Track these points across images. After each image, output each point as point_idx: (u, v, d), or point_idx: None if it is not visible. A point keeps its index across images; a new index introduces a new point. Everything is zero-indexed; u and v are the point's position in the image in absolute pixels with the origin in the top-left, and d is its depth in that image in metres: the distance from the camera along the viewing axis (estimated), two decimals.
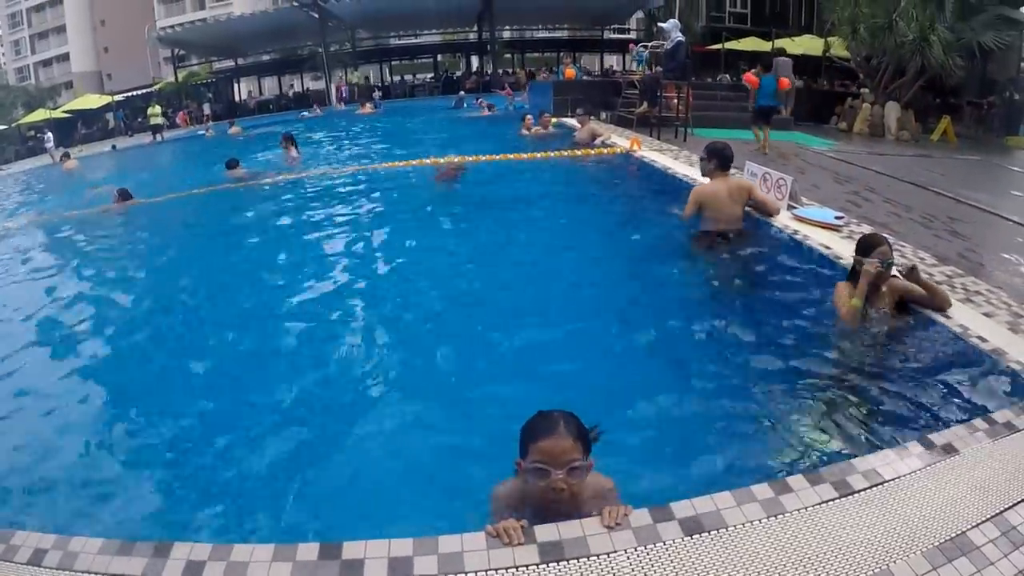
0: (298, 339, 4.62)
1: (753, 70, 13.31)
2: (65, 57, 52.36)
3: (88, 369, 4.47)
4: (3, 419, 3.82)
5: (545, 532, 1.99)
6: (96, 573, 2.02)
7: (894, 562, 1.89)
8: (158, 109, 27.62)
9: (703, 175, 5.98)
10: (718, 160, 5.71)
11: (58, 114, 34.81)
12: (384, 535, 2.04)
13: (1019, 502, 2.16)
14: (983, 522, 2.07)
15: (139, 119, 32.02)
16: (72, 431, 3.60)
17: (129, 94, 38.09)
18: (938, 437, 2.52)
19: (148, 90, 37.65)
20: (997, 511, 2.12)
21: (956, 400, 3.07)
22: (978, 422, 2.64)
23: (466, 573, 1.89)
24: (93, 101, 36.34)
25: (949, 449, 2.43)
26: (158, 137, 25.89)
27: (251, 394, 3.89)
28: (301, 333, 4.72)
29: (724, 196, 5.61)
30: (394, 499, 2.87)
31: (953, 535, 2.01)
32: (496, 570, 1.89)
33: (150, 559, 2.03)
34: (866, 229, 5.48)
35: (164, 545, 2.08)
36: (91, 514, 2.87)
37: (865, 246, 3.82)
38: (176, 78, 37.20)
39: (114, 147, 25.34)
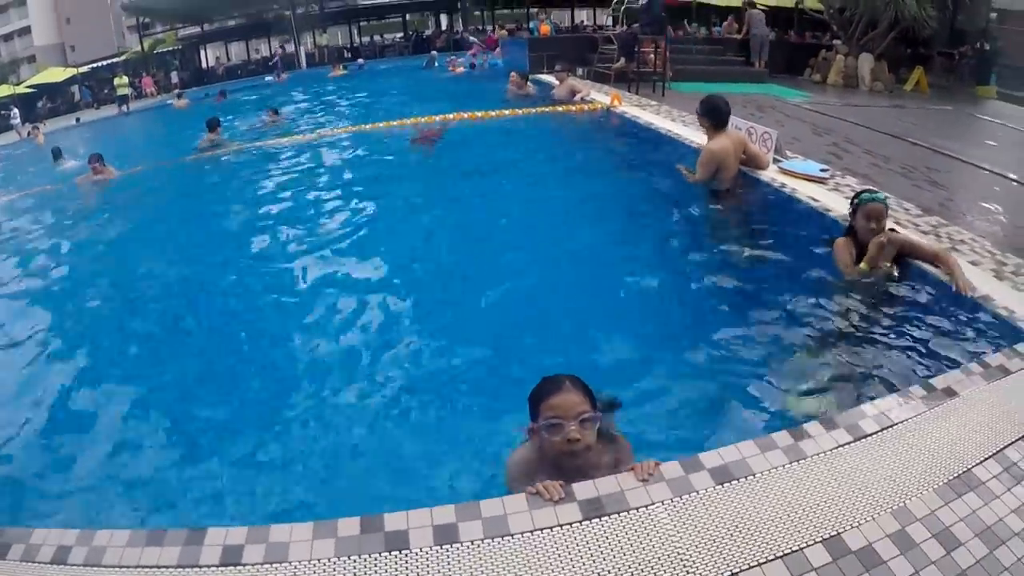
0: (283, 317, 4.60)
1: None
2: (26, 31, 50.02)
3: (99, 352, 4.44)
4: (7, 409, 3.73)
5: (583, 490, 2.05)
6: (127, 567, 1.95)
7: (910, 499, 2.02)
8: (125, 79, 26.76)
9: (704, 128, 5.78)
10: (718, 117, 5.56)
11: (22, 89, 33.20)
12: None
13: (1018, 439, 2.30)
14: (986, 459, 2.20)
15: (105, 90, 30.85)
16: (77, 419, 3.56)
17: (94, 65, 36.66)
18: (938, 381, 2.64)
19: (113, 60, 36.29)
20: (997, 448, 2.25)
21: (951, 346, 3.19)
22: (973, 366, 2.77)
23: (512, 535, 1.93)
24: (57, 75, 34.87)
25: (949, 392, 2.56)
26: (124, 108, 25.06)
27: (247, 373, 3.90)
28: (288, 307, 4.70)
29: (732, 153, 5.55)
30: (405, 473, 2.90)
31: (960, 472, 2.14)
32: (541, 530, 1.93)
33: (183, 547, 1.98)
34: (851, 181, 5.59)
35: (197, 532, 2.03)
36: (107, 508, 2.83)
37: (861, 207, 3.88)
38: (142, 47, 35.83)
39: (78, 120, 24.39)
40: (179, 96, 23.02)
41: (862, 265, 3.79)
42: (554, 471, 2.20)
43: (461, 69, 19.54)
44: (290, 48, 34.17)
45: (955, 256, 3.80)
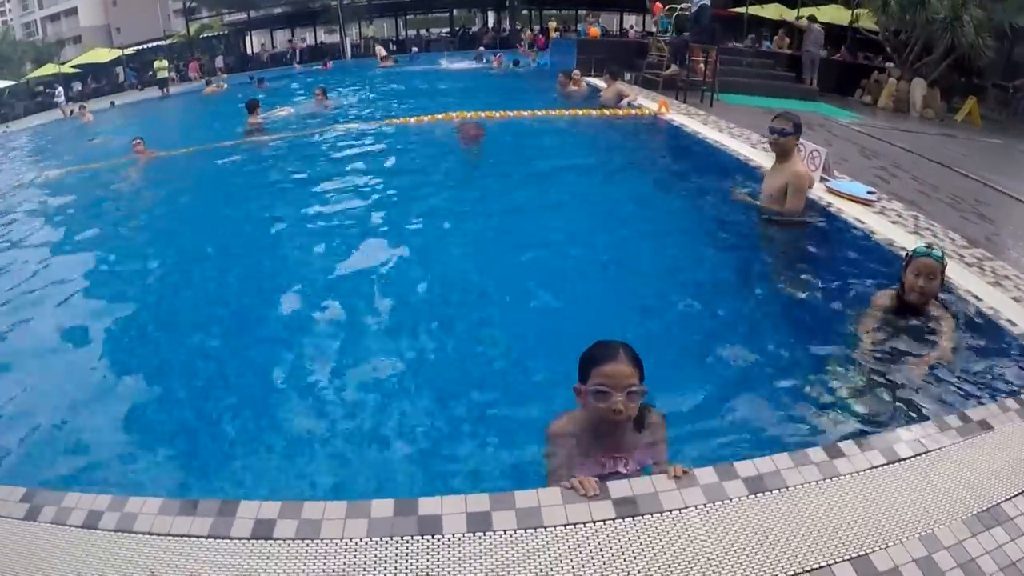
0: (317, 305, 4.61)
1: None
2: (73, 11, 51.04)
3: (134, 325, 4.54)
4: (45, 380, 3.81)
5: (618, 488, 2.10)
6: (158, 534, 1.98)
7: (938, 527, 2.03)
8: (165, 63, 27.24)
9: (775, 149, 5.28)
10: (801, 134, 5.31)
11: (67, 69, 33.95)
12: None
13: None
14: (1016, 495, 2.20)
15: (149, 72, 31.13)
16: (113, 392, 3.64)
17: (139, 47, 37.29)
18: (974, 413, 2.65)
19: (159, 44, 36.85)
20: None
21: (989, 380, 3.17)
22: (1010, 402, 2.77)
23: (545, 527, 1.97)
24: (102, 55, 35.51)
25: (984, 425, 2.56)
26: (164, 91, 25.33)
27: (269, 358, 3.91)
28: (323, 300, 4.68)
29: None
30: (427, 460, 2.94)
31: (989, 506, 2.14)
32: (575, 524, 1.97)
33: (215, 518, 2.01)
34: (897, 206, 5.55)
35: (229, 503, 2.07)
36: (142, 475, 2.89)
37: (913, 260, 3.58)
38: (188, 31, 36.38)
39: (113, 103, 24.41)
40: (208, 83, 23.15)
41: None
42: (592, 443, 2.27)
43: (497, 66, 19.94)
44: (333, 38, 34.50)
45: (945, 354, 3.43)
